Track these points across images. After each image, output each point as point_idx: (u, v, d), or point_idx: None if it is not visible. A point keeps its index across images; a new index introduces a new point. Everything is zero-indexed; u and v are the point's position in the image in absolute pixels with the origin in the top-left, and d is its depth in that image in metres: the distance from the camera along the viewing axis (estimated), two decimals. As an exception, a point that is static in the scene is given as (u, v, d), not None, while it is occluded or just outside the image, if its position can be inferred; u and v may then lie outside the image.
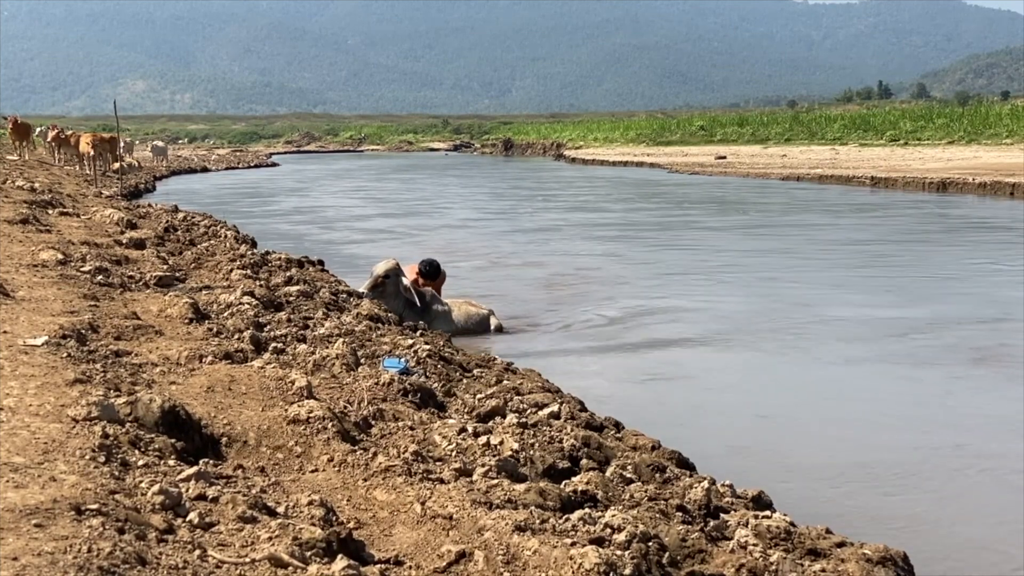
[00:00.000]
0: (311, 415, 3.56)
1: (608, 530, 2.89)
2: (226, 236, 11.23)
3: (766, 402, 6.19)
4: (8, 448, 2.78)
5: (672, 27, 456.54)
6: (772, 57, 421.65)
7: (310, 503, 2.84)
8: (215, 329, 5.19)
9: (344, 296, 7.81)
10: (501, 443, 3.75)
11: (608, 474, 3.69)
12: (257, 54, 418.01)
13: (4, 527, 2.25)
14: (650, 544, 2.83)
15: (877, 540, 3.21)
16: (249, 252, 9.50)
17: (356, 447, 3.50)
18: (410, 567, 2.66)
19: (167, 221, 12.13)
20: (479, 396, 4.79)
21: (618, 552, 2.70)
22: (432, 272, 8.77)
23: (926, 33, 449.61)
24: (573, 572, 2.53)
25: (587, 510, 3.09)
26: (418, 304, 7.95)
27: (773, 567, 2.95)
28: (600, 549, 2.63)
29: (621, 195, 27.72)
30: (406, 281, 8.00)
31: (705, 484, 3.60)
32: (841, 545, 3.17)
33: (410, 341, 5.79)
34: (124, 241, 8.80)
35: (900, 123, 46.19)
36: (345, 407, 4.00)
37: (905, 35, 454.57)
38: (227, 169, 47.17)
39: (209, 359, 4.40)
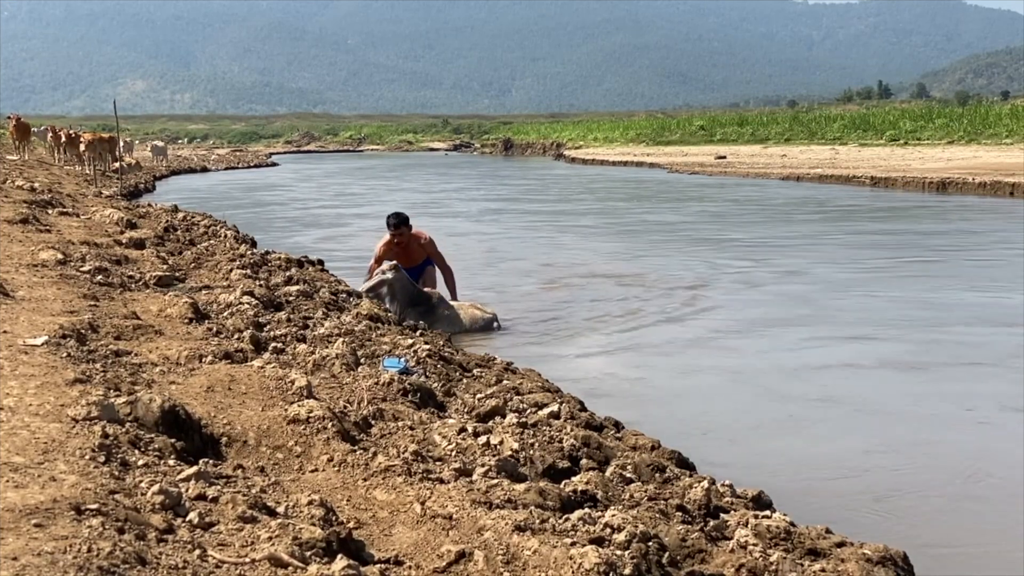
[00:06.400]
0: (311, 415, 3.56)
1: (608, 530, 2.88)
2: (226, 236, 11.23)
3: (767, 400, 6.19)
4: (8, 448, 2.78)
5: (672, 27, 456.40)
6: (772, 57, 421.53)
7: (310, 503, 2.83)
8: (215, 329, 5.19)
9: (344, 296, 7.81)
10: (501, 443, 3.75)
11: (608, 474, 3.69)
12: (257, 54, 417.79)
13: (4, 527, 2.25)
14: (650, 544, 2.83)
15: (877, 540, 3.21)
16: (249, 252, 9.50)
17: (356, 447, 3.50)
18: (410, 567, 2.66)
19: (167, 221, 12.13)
20: (479, 396, 4.78)
21: (618, 552, 2.70)
22: (401, 221, 8.66)
23: (926, 33, 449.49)
24: (573, 572, 2.53)
25: (587, 510, 3.09)
26: (396, 310, 7.89)
27: (773, 567, 2.95)
28: (600, 549, 2.63)
29: (572, 192, 29.05)
30: (388, 275, 7.99)
31: (705, 484, 3.60)
32: (841, 545, 3.17)
33: (410, 341, 5.79)
34: (124, 241, 8.80)
35: (900, 123, 46.17)
36: (345, 407, 4.00)
37: (905, 35, 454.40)
38: (227, 169, 47.20)
39: (209, 359, 4.40)
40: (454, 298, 8.66)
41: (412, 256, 8.82)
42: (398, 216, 8.79)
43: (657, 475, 3.82)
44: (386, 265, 8.20)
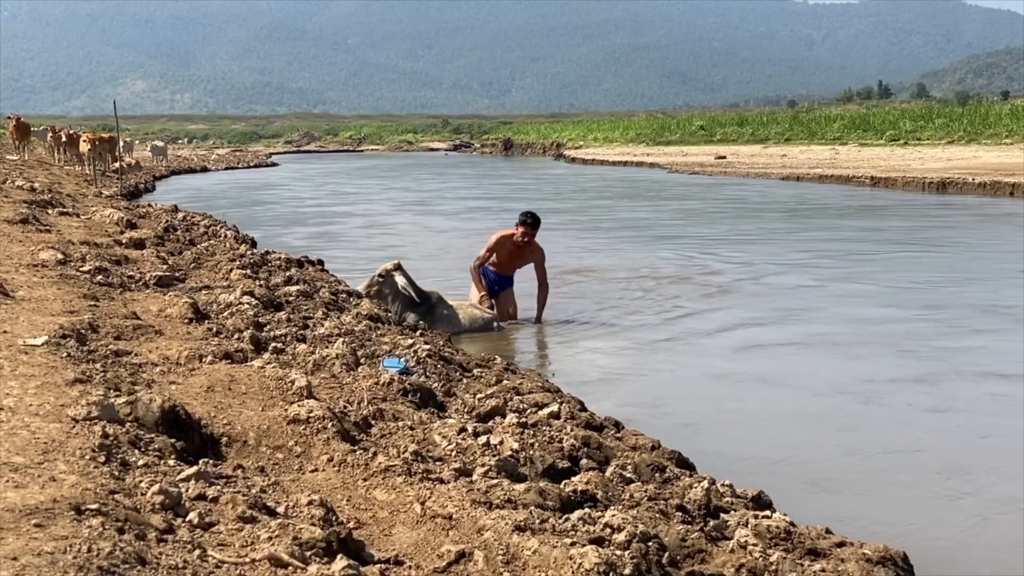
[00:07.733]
0: (311, 415, 3.56)
1: (608, 530, 2.88)
2: (226, 236, 11.23)
3: (769, 400, 6.19)
4: (8, 448, 2.78)
5: (672, 27, 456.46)
6: (772, 57, 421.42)
7: (310, 503, 2.83)
8: (215, 329, 5.19)
9: (344, 296, 7.81)
10: (501, 443, 3.75)
11: (608, 474, 3.69)
12: (257, 54, 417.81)
13: (4, 527, 2.25)
14: (650, 544, 2.83)
15: (877, 540, 3.21)
16: (249, 252, 9.50)
17: (356, 447, 3.50)
18: (410, 567, 2.66)
19: (167, 221, 12.13)
20: (479, 396, 4.79)
21: (618, 552, 2.70)
22: (535, 222, 8.58)
23: (926, 33, 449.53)
24: (573, 572, 2.53)
25: (587, 510, 3.09)
26: (417, 300, 7.95)
27: (773, 567, 2.95)
28: (600, 549, 2.63)
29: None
30: (401, 280, 7.98)
31: (705, 484, 3.60)
32: (841, 545, 3.17)
33: (410, 341, 5.79)
34: (124, 241, 8.80)
35: (900, 123, 46.21)
36: (345, 407, 4.00)
37: (905, 35, 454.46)
38: (227, 169, 47.23)
39: (209, 359, 4.39)
40: (539, 316, 8.61)
41: (518, 260, 8.72)
42: (535, 217, 8.65)
43: (657, 475, 3.82)
44: (389, 264, 8.19)
